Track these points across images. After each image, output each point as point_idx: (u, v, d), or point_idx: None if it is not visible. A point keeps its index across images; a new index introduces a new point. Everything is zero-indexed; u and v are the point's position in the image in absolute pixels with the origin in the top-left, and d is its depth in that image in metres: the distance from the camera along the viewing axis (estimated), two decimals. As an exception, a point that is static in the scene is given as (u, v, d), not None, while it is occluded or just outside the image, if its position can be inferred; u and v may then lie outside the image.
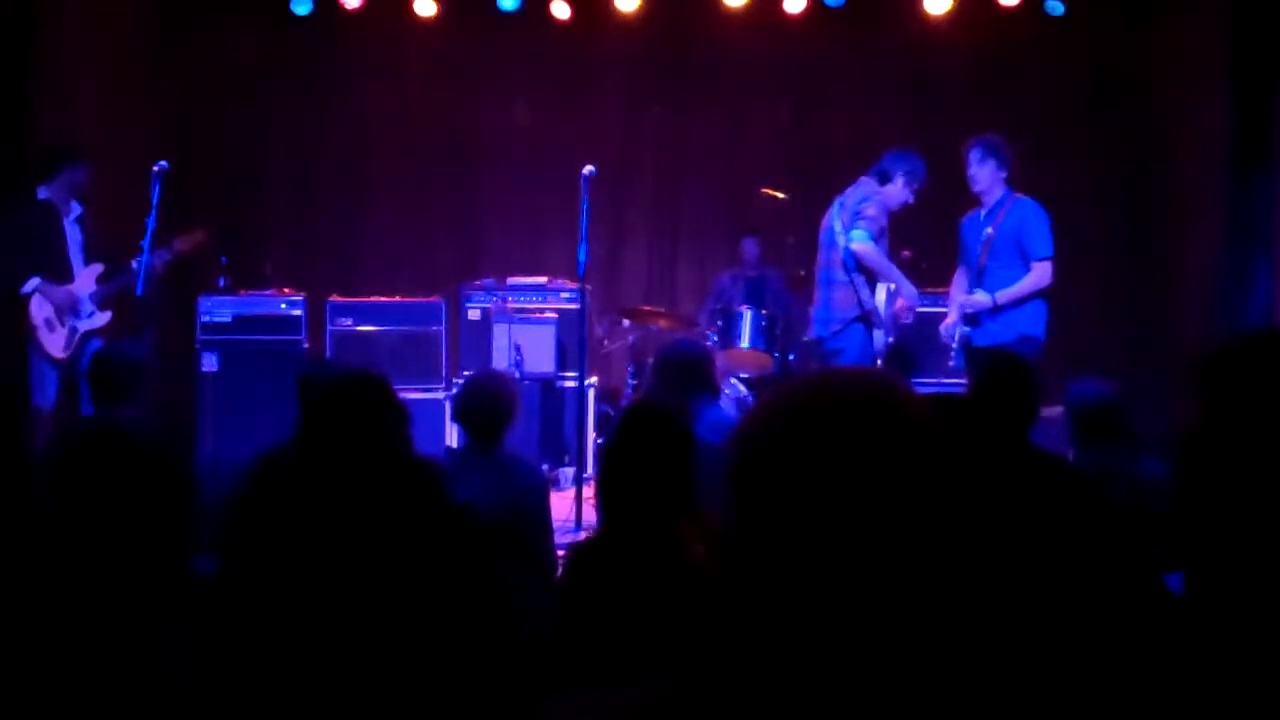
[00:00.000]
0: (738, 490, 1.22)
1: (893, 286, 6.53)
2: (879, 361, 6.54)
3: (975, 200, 6.49)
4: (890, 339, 6.54)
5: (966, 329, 6.37)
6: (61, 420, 6.54)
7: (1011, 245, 6.33)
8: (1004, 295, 6.27)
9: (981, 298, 6.30)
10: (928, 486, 1.19)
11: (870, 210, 6.43)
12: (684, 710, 1.21)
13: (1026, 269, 6.31)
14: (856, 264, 6.44)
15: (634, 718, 1.23)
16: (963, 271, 6.54)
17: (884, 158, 6.59)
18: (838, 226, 6.52)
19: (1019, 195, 6.43)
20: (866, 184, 6.56)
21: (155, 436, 2.16)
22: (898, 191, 6.53)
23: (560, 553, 4.36)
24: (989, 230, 6.32)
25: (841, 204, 6.56)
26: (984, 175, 6.39)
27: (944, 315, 6.64)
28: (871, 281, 6.51)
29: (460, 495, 3.23)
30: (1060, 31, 8.77)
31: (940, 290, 7.23)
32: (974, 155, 6.40)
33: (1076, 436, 4.79)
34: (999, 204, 6.39)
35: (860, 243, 6.38)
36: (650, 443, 3.03)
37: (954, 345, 6.41)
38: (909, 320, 6.70)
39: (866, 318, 6.47)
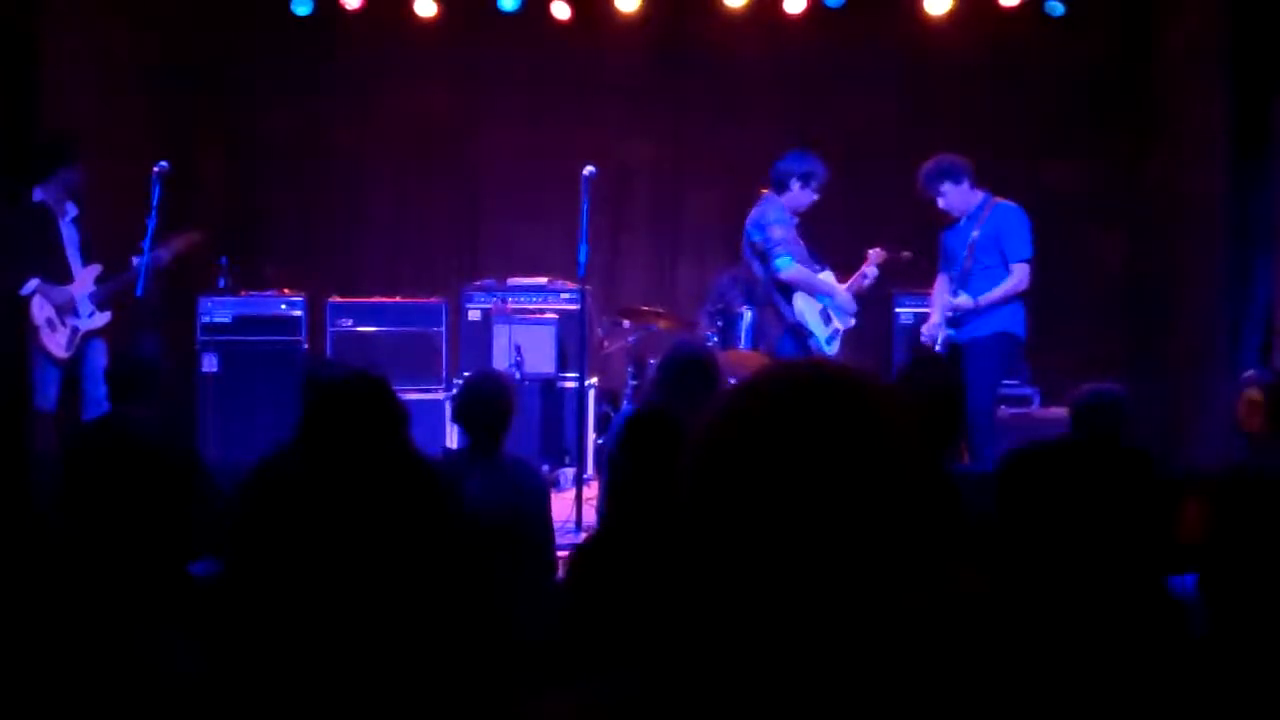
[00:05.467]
0: (701, 483, 1.22)
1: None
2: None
3: None
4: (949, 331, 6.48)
5: (950, 331, 6.49)
6: (62, 420, 6.55)
7: (993, 248, 6.47)
8: (985, 298, 6.42)
9: (964, 301, 6.43)
10: (889, 471, 1.18)
11: (775, 233, 6.50)
12: (655, 703, 1.22)
13: (1007, 271, 6.45)
14: (776, 285, 6.50)
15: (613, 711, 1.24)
16: (944, 277, 6.64)
17: (777, 165, 6.64)
18: (753, 254, 6.63)
19: (997, 200, 6.55)
20: (764, 201, 6.62)
21: (169, 433, 2.17)
22: (796, 196, 6.62)
23: (561, 554, 4.36)
24: (974, 233, 6.39)
25: (747, 230, 6.59)
26: (954, 199, 6.48)
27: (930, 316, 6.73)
28: (789, 294, 6.57)
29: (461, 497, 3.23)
30: (1060, 31, 8.77)
31: (929, 292, 7.24)
32: (932, 191, 6.47)
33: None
34: (980, 208, 6.51)
35: (787, 271, 6.51)
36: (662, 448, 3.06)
37: (938, 347, 6.51)
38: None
39: (794, 330, 6.58)
